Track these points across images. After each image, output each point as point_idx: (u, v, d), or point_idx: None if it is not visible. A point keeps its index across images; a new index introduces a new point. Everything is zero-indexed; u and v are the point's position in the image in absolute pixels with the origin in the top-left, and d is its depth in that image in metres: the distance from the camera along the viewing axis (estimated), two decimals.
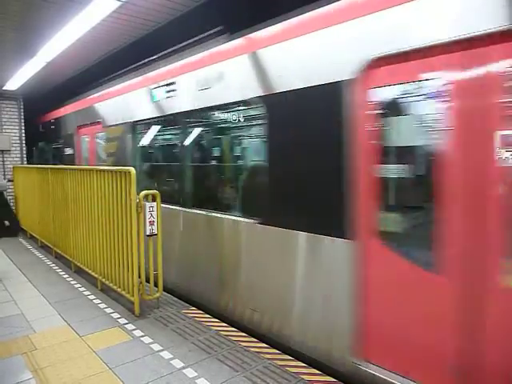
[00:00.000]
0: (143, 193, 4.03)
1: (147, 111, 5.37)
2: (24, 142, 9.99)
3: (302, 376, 2.93)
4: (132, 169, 3.95)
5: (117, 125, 6.20)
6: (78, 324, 3.85)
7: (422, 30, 2.42)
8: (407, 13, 2.49)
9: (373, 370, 2.76)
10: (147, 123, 5.70)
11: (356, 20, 2.77)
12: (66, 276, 5.49)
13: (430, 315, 2.49)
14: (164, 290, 4.47)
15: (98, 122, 6.87)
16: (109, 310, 4.21)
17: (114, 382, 2.84)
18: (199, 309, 4.31)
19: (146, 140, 6.06)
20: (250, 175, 4.50)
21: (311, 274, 3.20)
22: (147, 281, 4.22)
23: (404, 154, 2.70)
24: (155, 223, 4.09)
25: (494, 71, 2.18)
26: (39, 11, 4.69)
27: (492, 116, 2.20)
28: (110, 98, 6.50)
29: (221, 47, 4.11)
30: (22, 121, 9.87)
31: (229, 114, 4.48)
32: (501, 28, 2.09)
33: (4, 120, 9.57)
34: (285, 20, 3.37)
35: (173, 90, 4.80)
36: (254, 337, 3.61)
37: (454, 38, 2.26)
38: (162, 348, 3.35)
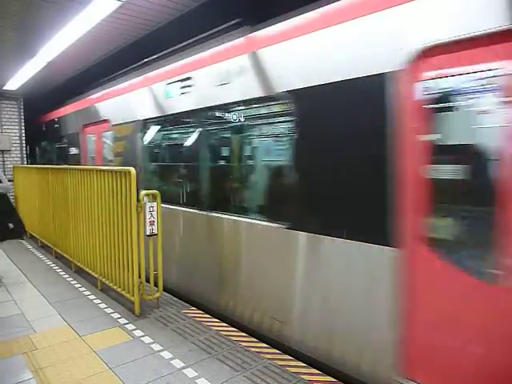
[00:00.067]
0: (143, 192, 4.03)
1: (159, 108, 5.11)
2: (24, 141, 9.99)
3: (302, 376, 2.93)
4: (132, 169, 3.95)
5: (126, 123, 5.91)
6: (78, 324, 3.85)
7: (484, 14, 2.13)
8: None
9: None
10: (159, 121, 5.44)
11: (406, 4, 2.48)
12: (66, 276, 5.49)
13: (487, 331, 2.24)
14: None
15: (105, 121, 6.61)
16: (109, 310, 4.21)
17: (114, 382, 2.84)
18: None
19: (157, 139, 5.82)
20: (276, 176, 4.19)
21: (347, 284, 2.92)
22: (147, 281, 4.22)
23: (459, 152, 2.41)
24: (155, 223, 4.09)
25: None
26: (39, 11, 4.70)
27: None
28: (119, 96, 6.22)
29: (243, 39, 3.83)
30: (22, 121, 9.87)
31: (250, 110, 4.26)
32: None
33: (4, 120, 9.57)
34: (318, 8, 3.08)
35: (188, 86, 4.53)
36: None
37: None
38: (162, 348, 3.35)
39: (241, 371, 2.98)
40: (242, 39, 3.83)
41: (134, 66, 5.94)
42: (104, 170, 4.54)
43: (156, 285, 4.34)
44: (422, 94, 2.48)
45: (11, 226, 5.14)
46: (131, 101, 5.84)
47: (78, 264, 5.44)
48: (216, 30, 4.25)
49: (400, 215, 2.56)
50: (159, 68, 5.19)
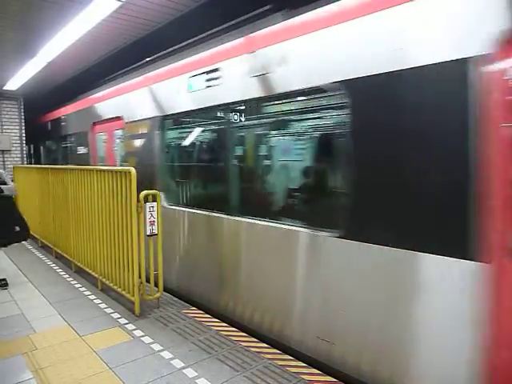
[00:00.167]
0: (143, 193, 4.03)
1: (180, 104, 4.67)
2: (24, 141, 10.00)
3: (303, 376, 2.93)
4: (132, 169, 3.95)
5: (142, 120, 5.45)
6: (78, 324, 3.85)
7: None
8: None
9: None
10: (180, 117, 5.04)
11: None
12: (67, 276, 5.49)
13: None
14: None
15: (119, 118, 6.10)
16: (109, 310, 4.21)
17: (114, 382, 2.84)
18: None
19: (178, 137, 5.44)
20: (321, 177, 3.74)
21: (417, 303, 2.50)
22: (148, 281, 4.22)
23: None
24: (155, 223, 4.09)
25: None
26: (39, 11, 4.70)
27: None
28: (134, 91, 5.72)
29: (285, 24, 3.37)
30: (23, 121, 9.88)
31: (292, 104, 3.81)
32: None
33: (4, 120, 9.58)
34: None
35: (216, 78, 4.07)
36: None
37: None
38: (162, 348, 3.35)
39: (241, 371, 2.98)
40: (282, 24, 3.39)
41: (150, 58, 5.60)
42: (104, 170, 4.54)
43: (156, 285, 4.34)
44: None
45: (17, 228, 5.10)
46: (148, 96, 5.37)
47: (79, 264, 5.44)
48: (250, 15, 3.89)
49: (486, 224, 2.20)
50: (180, 60, 4.77)
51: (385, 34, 2.60)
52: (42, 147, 11.03)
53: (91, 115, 7.23)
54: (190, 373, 2.95)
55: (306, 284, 3.25)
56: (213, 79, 4.11)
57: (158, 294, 4.28)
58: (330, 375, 2.96)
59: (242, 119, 4.22)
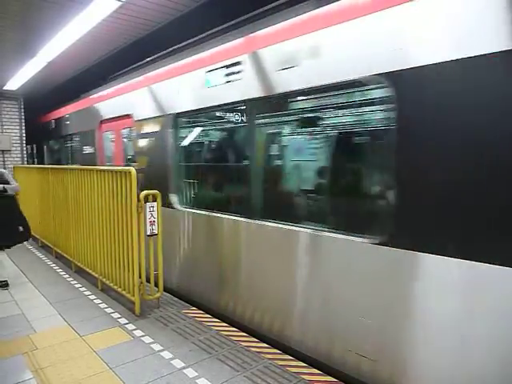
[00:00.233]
0: (144, 193, 4.02)
1: (196, 100, 4.40)
2: (24, 141, 10.01)
3: (303, 376, 2.92)
4: (132, 169, 3.95)
5: (153, 118, 5.15)
6: (78, 324, 3.84)
7: None
8: None
9: None
10: (196, 115, 4.76)
11: None
12: (67, 276, 5.49)
13: None
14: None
15: (128, 116, 5.80)
16: (109, 310, 4.20)
17: (114, 382, 2.84)
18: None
19: (193, 135, 5.13)
20: (357, 177, 3.45)
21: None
22: (147, 281, 4.22)
23: None
24: (155, 223, 4.09)
25: None
26: (40, 11, 4.70)
27: None
28: (144, 87, 5.41)
29: (317, 12, 3.07)
30: (23, 121, 9.88)
31: (324, 99, 3.50)
32: None
33: (4, 120, 9.58)
34: None
35: (236, 73, 3.80)
36: None
37: None
38: (162, 348, 3.35)
39: (241, 371, 2.98)
40: (313, 13, 3.11)
41: (162, 53, 5.33)
42: (104, 170, 4.54)
43: (156, 285, 4.34)
44: None
45: (21, 229, 5.08)
46: (160, 93, 5.08)
47: (79, 264, 5.44)
48: (279, 3, 3.61)
49: None
50: (195, 54, 4.48)
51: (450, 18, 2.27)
52: (45, 147, 10.83)
53: (98, 113, 6.94)
54: (191, 373, 2.95)
55: (343, 294, 2.95)
56: (233, 74, 3.83)
57: (158, 294, 4.28)
58: (331, 375, 2.96)
59: (267, 116, 3.97)
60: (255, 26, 3.69)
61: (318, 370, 3.03)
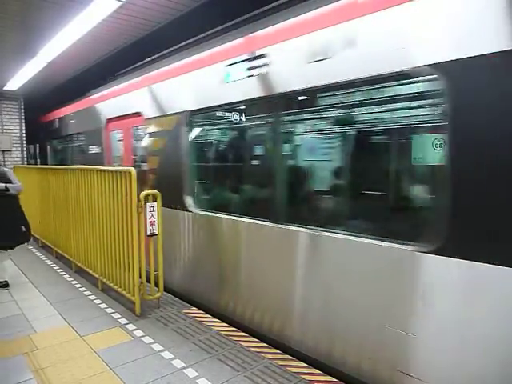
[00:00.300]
0: (144, 193, 4.02)
1: (214, 96, 4.11)
2: (25, 142, 10.01)
3: (303, 376, 2.92)
4: (132, 169, 3.95)
5: (166, 115, 4.84)
6: (78, 324, 3.84)
7: None
8: None
9: None
10: (213, 112, 4.48)
11: None
12: (67, 276, 5.49)
13: None
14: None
15: (137, 114, 5.49)
16: (109, 310, 4.20)
17: (114, 382, 2.83)
18: None
19: (210, 134, 4.89)
20: (403, 178, 3.16)
21: None
22: (148, 281, 4.22)
23: None
24: (156, 223, 4.09)
25: None
26: (40, 11, 4.70)
27: None
28: (155, 84, 5.12)
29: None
30: (23, 121, 9.88)
31: (363, 94, 3.17)
32: None
33: (5, 120, 9.59)
34: None
35: (261, 66, 3.53)
36: None
37: None
38: (162, 348, 3.35)
39: (241, 371, 2.98)
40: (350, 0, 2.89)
41: (177, 47, 5.05)
42: (104, 170, 4.54)
43: (157, 285, 4.34)
44: None
45: (23, 229, 5.04)
46: (174, 89, 4.78)
47: (79, 264, 5.44)
48: None
49: None
50: (213, 47, 4.20)
51: None
52: (48, 147, 10.56)
53: (105, 112, 6.63)
54: (191, 373, 2.95)
55: (387, 307, 2.68)
56: (258, 67, 3.55)
57: (158, 294, 4.28)
58: (331, 375, 2.96)
59: (296, 113, 3.69)
60: (282, 16, 3.42)
61: (318, 369, 3.03)
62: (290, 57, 3.29)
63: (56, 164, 9.34)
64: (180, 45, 4.97)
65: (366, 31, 2.72)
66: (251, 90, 3.67)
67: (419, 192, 2.95)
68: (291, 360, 3.17)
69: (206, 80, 4.22)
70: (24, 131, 9.93)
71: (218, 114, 4.56)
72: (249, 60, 3.66)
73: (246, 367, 3.04)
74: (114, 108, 6.32)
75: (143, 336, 3.58)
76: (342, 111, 3.49)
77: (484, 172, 2.20)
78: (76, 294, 4.73)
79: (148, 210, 4.02)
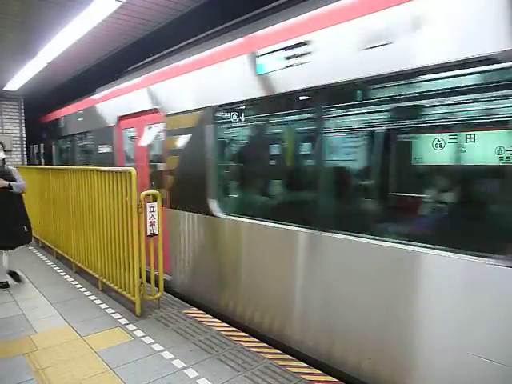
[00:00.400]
0: (144, 193, 4.02)
1: (245, 90, 3.72)
2: (25, 142, 10.02)
3: (303, 376, 2.92)
4: (132, 169, 3.95)
5: (188, 112, 4.41)
6: (79, 324, 3.84)
7: None
8: None
9: None
10: (242, 107, 4.13)
11: None
12: (67, 276, 5.49)
13: None
14: None
15: (154, 110, 5.06)
16: (110, 311, 4.20)
17: (115, 383, 2.83)
18: None
19: (241, 131, 4.46)
20: (482, 179, 2.76)
21: None
22: (148, 281, 4.22)
23: None
24: (156, 223, 4.09)
25: None
26: (40, 11, 4.70)
27: None
28: (175, 77, 4.68)
29: None
30: (23, 121, 9.89)
31: (433, 84, 2.75)
32: None
33: (5, 121, 9.60)
34: None
35: (303, 55, 3.14)
36: None
37: None
38: (163, 348, 3.35)
39: (242, 371, 2.98)
40: None
41: (201, 36, 4.70)
42: (105, 171, 4.54)
43: (157, 285, 4.34)
44: None
45: (25, 229, 4.98)
46: (197, 83, 4.37)
47: (79, 264, 5.44)
48: None
49: None
50: (242, 36, 3.82)
51: None
52: (54, 146, 10.09)
53: (116, 109, 6.16)
54: (191, 373, 2.95)
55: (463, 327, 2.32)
56: (297, 56, 3.18)
57: (158, 295, 4.28)
58: (331, 375, 2.95)
59: (348, 106, 3.30)
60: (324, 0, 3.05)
61: (319, 369, 3.02)
62: (340, 43, 2.90)
63: (62, 164, 9.06)
64: (198, 37, 4.67)
65: (448, 10, 2.29)
66: (288, 82, 3.29)
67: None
68: (291, 360, 3.17)
69: (234, 72, 3.85)
70: (24, 131, 9.93)
71: (248, 109, 4.22)
72: (286, 49, 3.26)
73: (246, 367, 3.04)
74: (126, 105, 5.85)
75: (143, 336, 3.58)
76: (409, 105, 3.05)
77: None
78: (76, 295, 4.73)
79: (148, 210, 4.02)
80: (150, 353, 3.27)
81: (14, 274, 5.09)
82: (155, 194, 4.11)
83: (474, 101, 2.79)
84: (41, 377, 2.92)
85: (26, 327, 3.80)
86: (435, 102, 2.82)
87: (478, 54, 2.14)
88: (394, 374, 2.69)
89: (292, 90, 3.27)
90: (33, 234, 5.32)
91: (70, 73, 7.85)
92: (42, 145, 10.92)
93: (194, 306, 4.34)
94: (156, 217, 4.08)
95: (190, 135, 4.42)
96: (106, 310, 4.24)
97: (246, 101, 3.82)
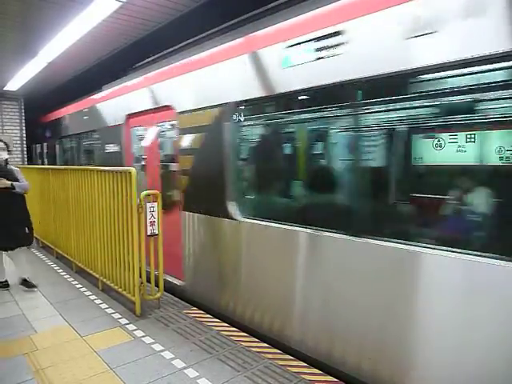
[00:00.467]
0: (144, 193, 4.02)
1: (268, 85, 3.47)
2: (25, 142, 10.03)
3: (303, 376, 2.92)
4: (132, 169, 3.95)
5: (204, 108, 4.14)
6: (79, 324, 3.85)
7: None
8: None
9: None
10: (265, 103, 3.77)
11: None
12: (67, 276, 5.49)
13: None
14: None
15: (166, 107, 4.80)
16: (110, 311, 4.21)
17: (115, 382, 2.84)
18: None
19: (263, 129, 4.08)
20: None
21: None
22: (148, 281, 4.22)
23: None
24: (156, 223, 4.09)
25: None
26: (40, 11, 4.70)
27: None
28: (190, 72, 4.40)
29: None
30: (23, 121, 9.90)
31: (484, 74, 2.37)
32: None
33: (5, 121, 9.61)
34: None
35: (336, 46, 2.91)
36: None
37: None
38: (163, 348, 3.35)
39: (242, 371, 2.98)
40: None
41: (221, 26, 4.45)
42: (105, 171, 4.54)
43: (157, 285, 4.34)
44: None
45: (27, 230, 4.90)
46: (213, 78, 4.10)
47: (79, 264, 5.45)
48: None
49: None
50: (266, 27, 3.54)
51: None
52: (57, 146, 9.80)
53: (124, 106, 5.89)
54: (191, 373, 2.95)
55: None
56: (330, 48, 2.96)
57: (158, 294, 4.28)
58: (331, 375, 2.95)
59: (391, 101, 2.90)
60: None
61: (319, 369, 3.02)
62: (380, 32, 2.66)
63: (66, 165, 8.88)
64: (214, 29, 4.44)
65: None
66: (319, 75, 3.04)
67: None
68: (291, 360, 3.17)
69: (257, 66, 3.58)
70: (24, 131, 9.94)
71: (271, 105, 3.84)
72: (316, 39, 3.03)
73: (246, 367, 3.04)
74: (136, 102, 5.57)
75: (144, 336, 3.58)
76: (458, 98, 2.61)
77: None
78: (76, 294, 4.73)
79: (148, 210, 4.02)
80: (150, 353, 3.27)
81: (24, 281, 4.95)
82: (155, 193, 4.11)
83: None
84: (41, 377, 2.92)
85: (26, 327, 3.80)
86: (492, 95, 2.47)
87: None
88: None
89: (323, 83, 3.02)
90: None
91: (70, 73, 7.85)
92: (45, 144, 10.81)
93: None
94: (156, 217, 4.08)
95: (205, 133, 4.18)
96: (106, 309, 4.24)
97: (270, 97, 3.52)
